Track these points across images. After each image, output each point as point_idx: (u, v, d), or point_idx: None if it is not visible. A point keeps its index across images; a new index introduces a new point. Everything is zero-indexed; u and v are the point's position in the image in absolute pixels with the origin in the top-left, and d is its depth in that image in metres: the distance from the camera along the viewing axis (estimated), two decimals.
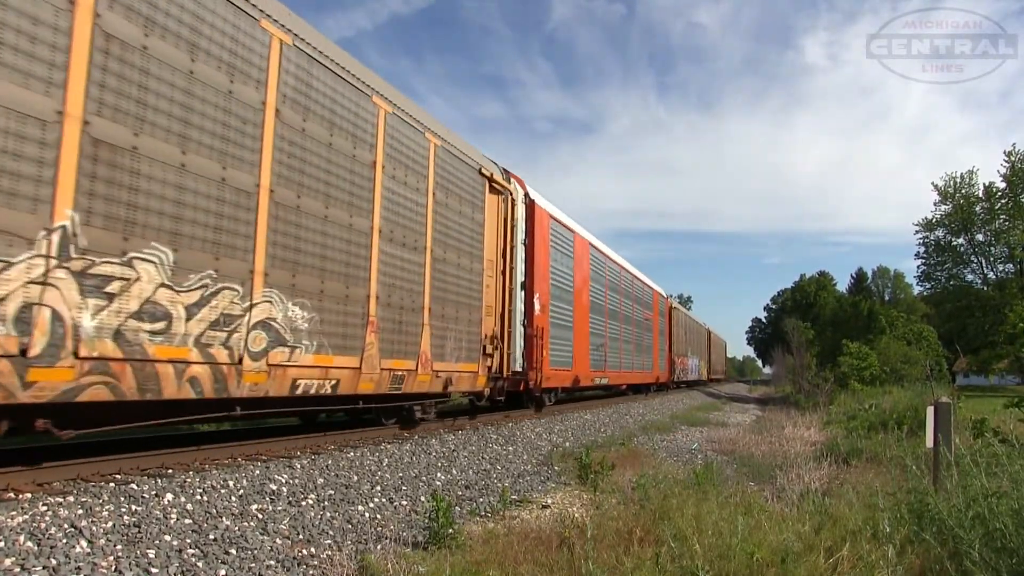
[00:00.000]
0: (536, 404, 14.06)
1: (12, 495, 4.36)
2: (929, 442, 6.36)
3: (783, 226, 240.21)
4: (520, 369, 11.78)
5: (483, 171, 10.63)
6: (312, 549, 4.72)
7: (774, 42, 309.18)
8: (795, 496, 6.70)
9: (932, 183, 51.88)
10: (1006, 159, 41.98)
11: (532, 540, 4.98)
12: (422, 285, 8.67)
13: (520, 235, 12.12)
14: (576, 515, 6.06)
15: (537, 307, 12.76)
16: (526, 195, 12.74)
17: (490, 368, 10.59)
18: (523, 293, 12.09)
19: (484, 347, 10.37)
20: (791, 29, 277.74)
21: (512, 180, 12.07)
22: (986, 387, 41.90)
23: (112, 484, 4.79)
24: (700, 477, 7.14)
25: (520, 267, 12.06)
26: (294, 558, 4.50)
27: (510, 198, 11.67)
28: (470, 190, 10.21)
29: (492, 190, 10.97)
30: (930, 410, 6.44)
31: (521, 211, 12.23)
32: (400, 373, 8.13)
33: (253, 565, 4.23)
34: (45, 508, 4.12)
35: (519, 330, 11.78)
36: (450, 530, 5.06)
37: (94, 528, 4.04)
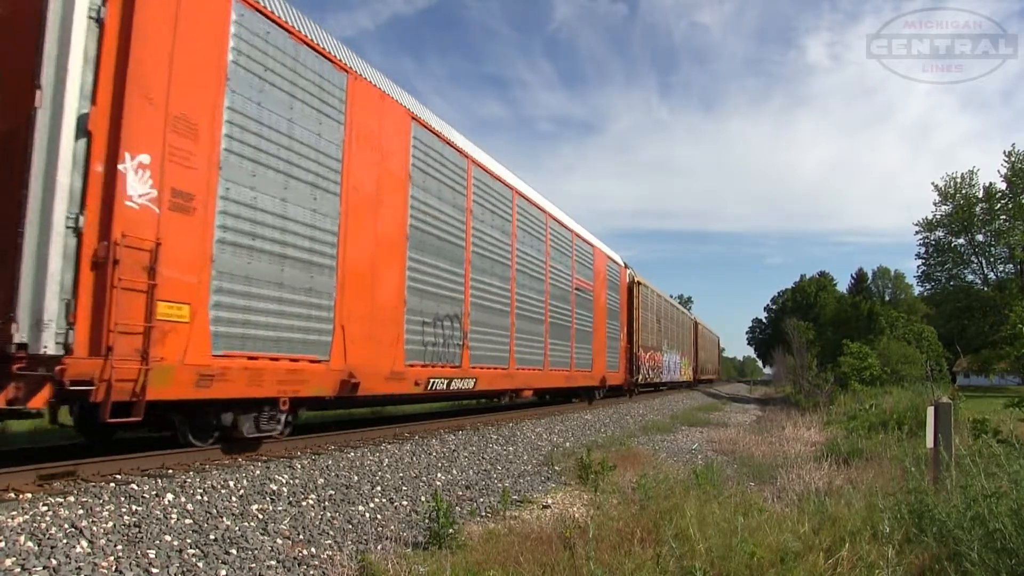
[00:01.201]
0: (229, 439, 6.38)
1: (12, 495, 4.36)
2: (929, 442, 6.38)
3: (784, 226, 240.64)
4: (51, 350, 4.44)
5: None
6: (312, 549, 4.73)
7: (776, 42, 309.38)
8: (795, 496, 6.70)
9: (932, 183, 51.89)
10: (1006, 159, 41.99)
11: (533, 540, 4.98)
12: None
13: None
14: (577, 515, 6.06)
15: (140, 182, 4.99)
16: None
17: None
18: (84, 144, 4.71)
19: None
20: (793, 29, 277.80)
21: None
22: (987, 387, 41.93)
23: (112, 484, 4.79)
24: (700, 477, 7.15)
25: (74, 68, 4.58)
26: (294, 558, 4.51)
27: None
28: None
29: None
30: (930, 410, 6.45)
31: None
32: None
33: (253, 565, 4.24)
34: (45, 508, 4.12)
35: (55, 242, 4.49)
36: (450, 530, 5.06)
37: (94, 528, 4.04)
